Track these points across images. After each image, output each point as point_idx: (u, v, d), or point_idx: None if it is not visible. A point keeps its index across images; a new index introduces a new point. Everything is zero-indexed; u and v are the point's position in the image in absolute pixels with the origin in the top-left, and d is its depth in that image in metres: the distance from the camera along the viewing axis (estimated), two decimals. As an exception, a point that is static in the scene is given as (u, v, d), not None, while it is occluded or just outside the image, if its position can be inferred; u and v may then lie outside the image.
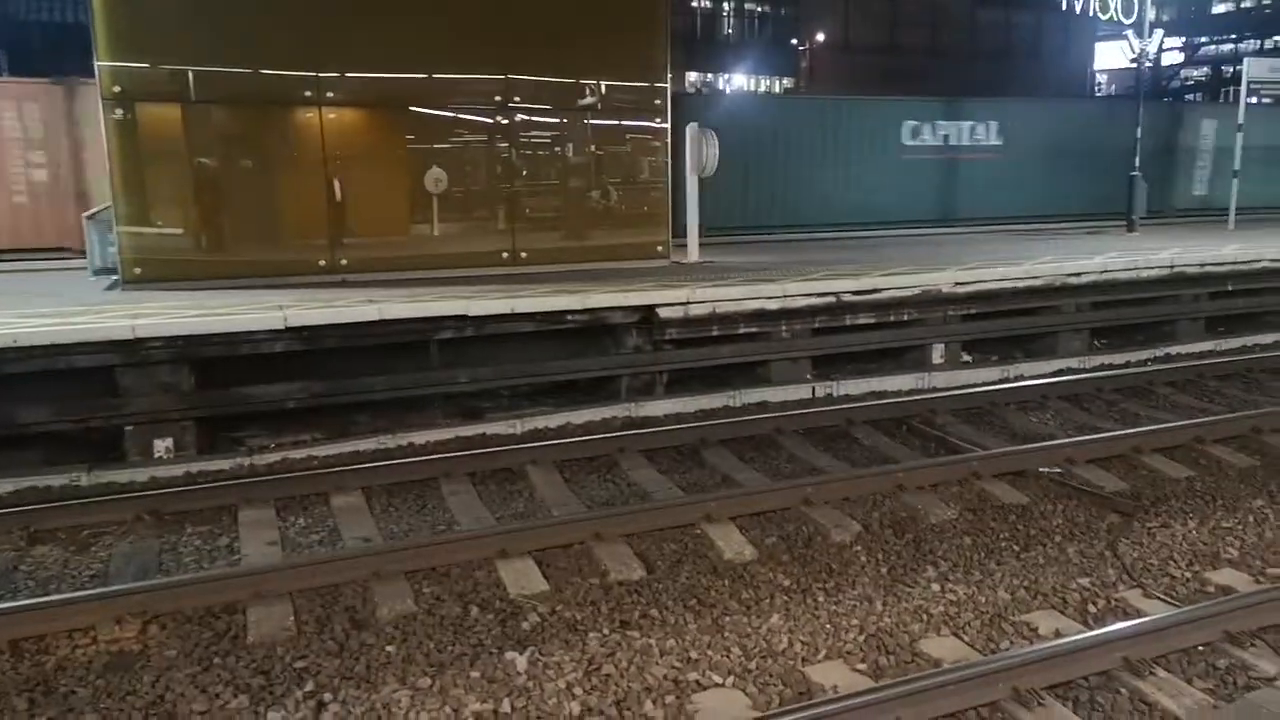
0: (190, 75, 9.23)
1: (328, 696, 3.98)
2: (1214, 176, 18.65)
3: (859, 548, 5.51)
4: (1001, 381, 9.32)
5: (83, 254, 10.34)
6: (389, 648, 4.38)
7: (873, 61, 34.76)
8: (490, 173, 10.78)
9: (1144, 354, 10.46)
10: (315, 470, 6.74)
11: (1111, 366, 9.99)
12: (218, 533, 5.87)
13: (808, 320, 9.17)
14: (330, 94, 9.77)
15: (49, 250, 12.21)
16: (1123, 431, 7.44)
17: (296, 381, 7.53)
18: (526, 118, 10.69)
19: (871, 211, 15.89)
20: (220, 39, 9.27)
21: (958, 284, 9.81)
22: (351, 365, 7.76)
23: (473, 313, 7.99)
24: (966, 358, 10.07)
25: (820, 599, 4.86)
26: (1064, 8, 35.45)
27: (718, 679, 4.11)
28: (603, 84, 10.86)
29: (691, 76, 34.76)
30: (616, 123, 11.19)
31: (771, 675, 4.13)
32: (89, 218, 10.07)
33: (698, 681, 4.09)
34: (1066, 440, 7.22)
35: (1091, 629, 4.45)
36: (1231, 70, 36.31)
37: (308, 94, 9.68)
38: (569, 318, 8.35)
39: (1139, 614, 4.64)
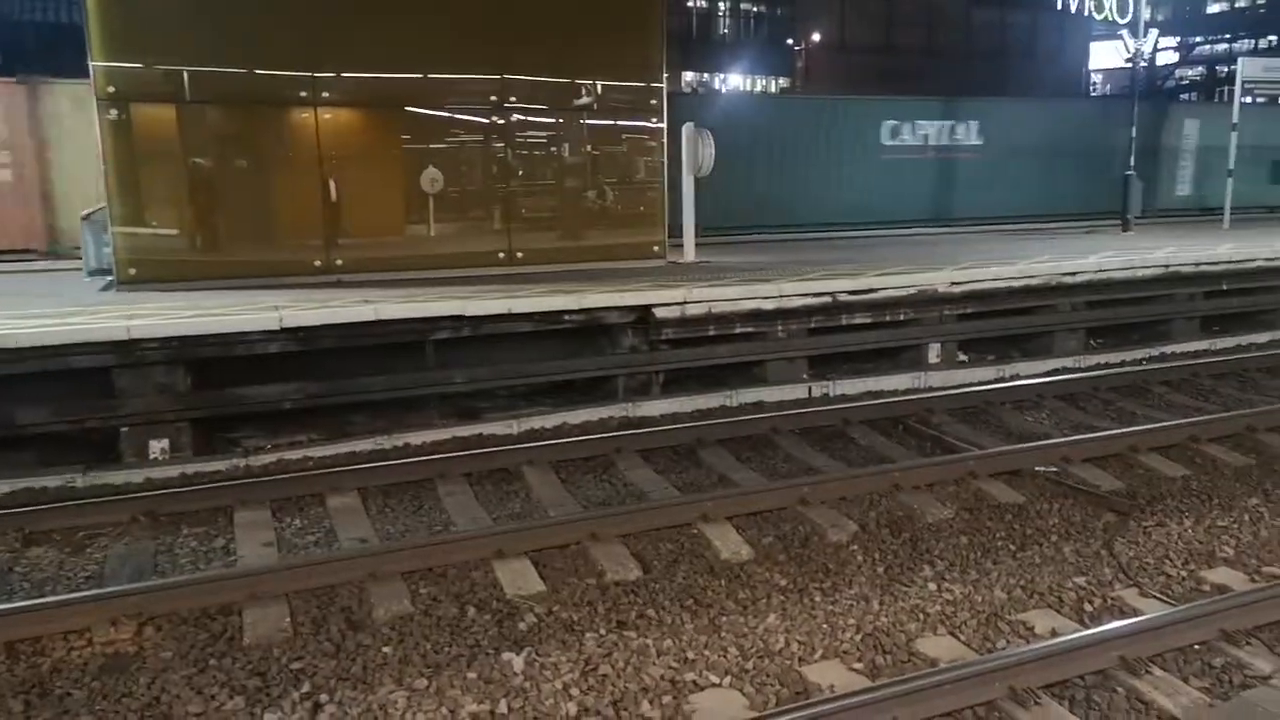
0: (185, 75, 9.22)
1: (324, 698, 3.98)
2: (1197, 176, 18.69)
3: (855, 547, 5.52)
4: (997, 381, 9.33)
5: (48, 255, 10.32)
6: (385, 649, 4.37)
7: (868, 61, 34.82)
8: (486, 173, 10.77)
9: (1139, 353, 10.47)
10: (311, 471, 6.73)
11: (1107, 366, 10.01)
12: (213, 534, 5.85)
13: (804, 320, 9.17)
14: (326, 94, 9.76)
15: (14, 252, 12.10)
16: (1118, 430, 7.45)
17: (292, 382, 7.51)
18: (522, 118, 10.69)
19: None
20: (215, 39, 9.26)
21: (953, 283, 9.83)
22: (347, 366, 7.75)
23: (469, 313, 7.98)
24: (962, 357, 10.08)
25: (817, 599, 4.86)
26: (1059, 7, 35.50)
27: (715, 679, 4.11)
28: (599, 84, 10.86)
29: (688, 76, 34.78)
30: (612, 123, 11.19)
31: (768, 675, 4.13)
32: (84, 218, 10.05)
33: (695, 682, 4.09)
34: (1062, 439, 7.23)
35: (1088, 628, 4.45)
36: (1226, 70, 36.41)
37: (303, 94, 9.67)
38: (565, 318, 8.35)
39: (1135, 613, 4.64)
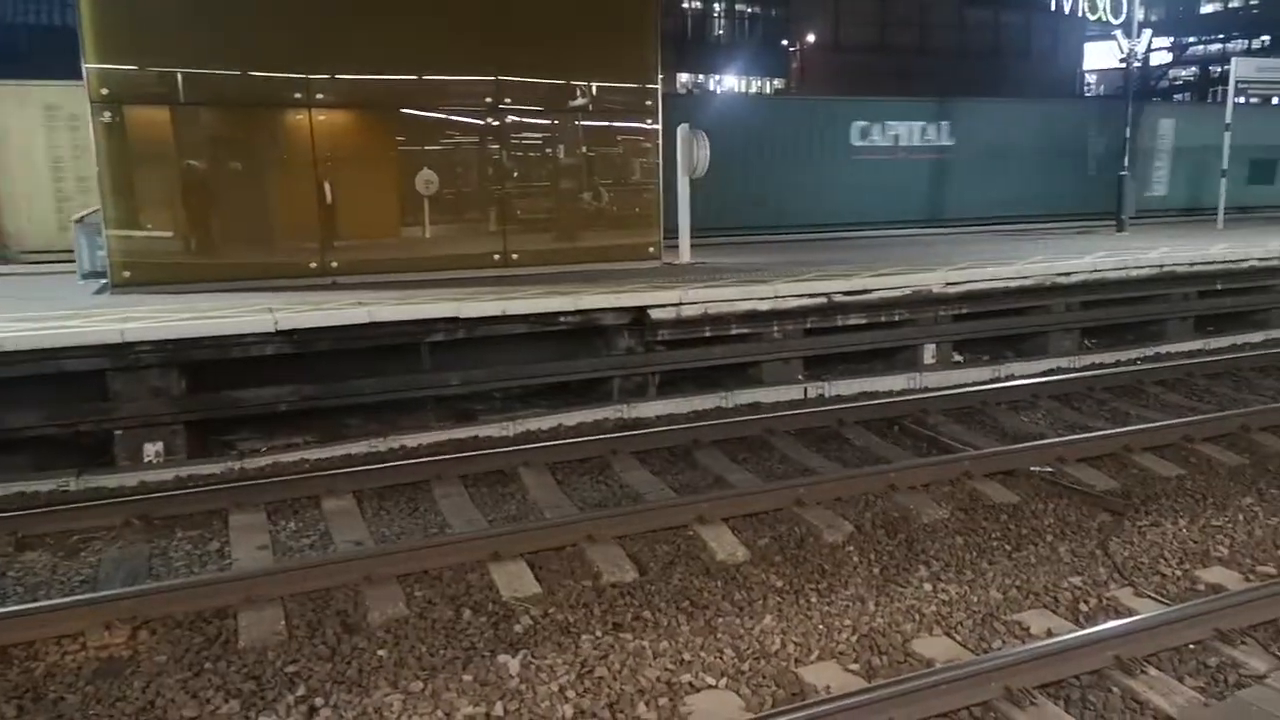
0: (179, 77, 9.20)
1: (319, 701, 3.97)
2: (1172, 176, 18.69)
3: (851, 548, 5.52)
4: (992, 381, 9.33)
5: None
6: (381, 652, 4.36)
7: (863, 61, 34.87)
8: (481, 174, 10.76)
9: (1134, 353, 10.49)
10: (306, 474, 6.72)
11: (1102, 366, 10.02)
12: (208, 537, 5.84)
13: (799, 321, 9.18)
14: (320, 96, 9.74)
15: None
16: (1113, 430, 7.46)
17: (287, 385, 7.49)
18: (517, 119, 10.69)
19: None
20: (209, 41, 9.25)
21: (948, 284, 9.84)
22: (343, 368, 7.74)
23: (464, 315, 7.97)
24: (958, 357, 10.09)
25: (813, 599, 4.86)
26: (1053, 8, 35.63)
27: (711, 680, 4.10)
28: (594, 85, 10.86)
29: (683, 78, 34.80)
30: (608, 124, 11.19)
31: (764, 676, 4.13)
32: (78, 221, 10.02)
33: (691, 683, 4.08)
34: (1057, 439, 7.23)
35: (1083, 628, 4.46)
36: (1219, 70, 36.54)
37: (298, 96, 9.66)
38: (561, 319, 8.34)
39: (1130, 612, 4.65)
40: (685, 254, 11.30)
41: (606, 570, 5.16)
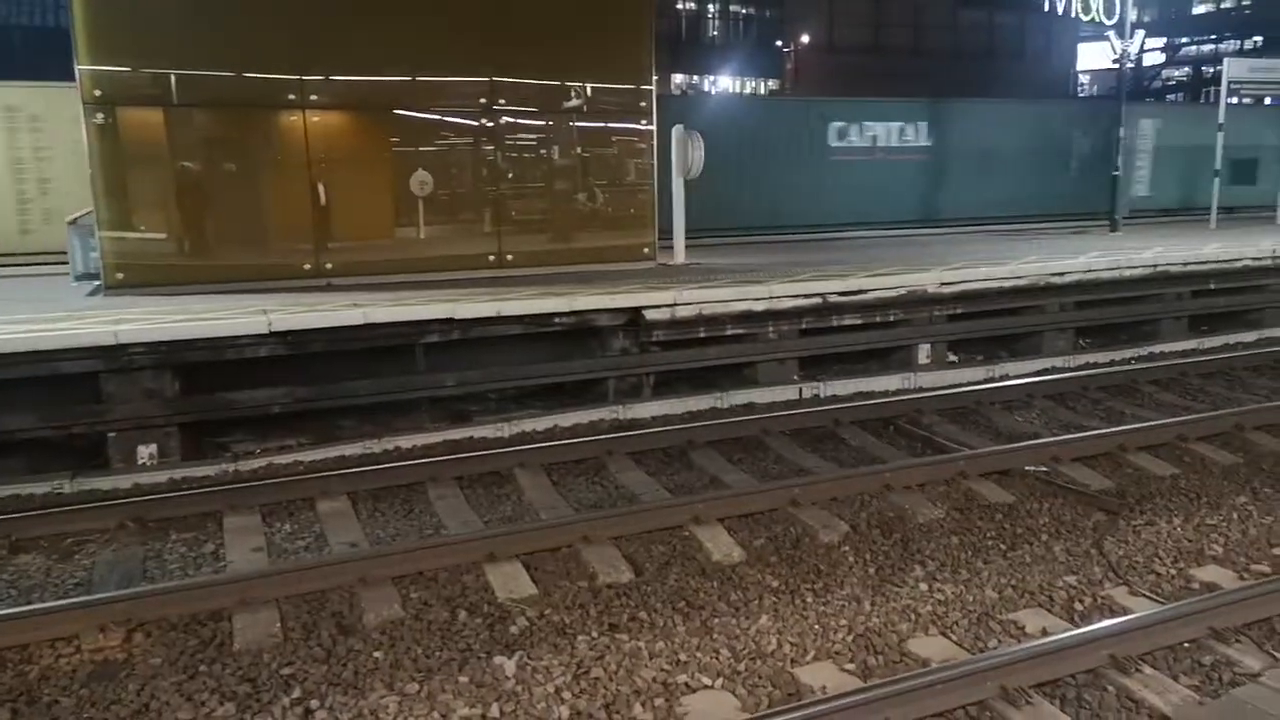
0: (172, 79, 9.18)
1: (315, 703, 3.96)
2: (1154, 177, 18.72)
3: (847, 548, 5.52)
4: (987, 381, 9.35)
5: None
6: (376, 654, 4.35)
7: (856, 62, 34.88)
8: (476, 175, 10.75)
9: (1128, 353, 10.52)
10: (301, 475, 6.70)
11: (1096, 365, 10.05)
12: (203, 539, 5.82)
13: (794, 321, 9.19)
14: (314, 97, 9.73)
15: None
16: (1108, 430, 7.48)
17: (281, 386, 7.48)
18: (512, 120, 10.68)
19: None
20: (203, 42, 9.22)
21: (943, 284, 9.86)
22: (337, 369, 7.72)
23: (459, 316, 7.96)
24: (952, 357, 10.11)
25: (809, 600, 4.86)
26: (1046, 9, 35.70)
27: (707, 681, 4.10)
28: (588, 86, 10.85)
29: (677, 79, 34.81)
30: (602, 125, 11.19)
31: (760, 677, 4.13)
32: (71, 223, 9.99)
33: (687, 684, 4.08)
34: (1052, 439, 7.25)
35: (1078, 627, 4.47)
36: (1212, 70, 36.65)
37: (291, 97, 9.64)
38: (556, 320, 8.34)
39: (1125, 611, 4.66)
40: (680, 255, 11.31)
41: (602, 571, 5.15)
